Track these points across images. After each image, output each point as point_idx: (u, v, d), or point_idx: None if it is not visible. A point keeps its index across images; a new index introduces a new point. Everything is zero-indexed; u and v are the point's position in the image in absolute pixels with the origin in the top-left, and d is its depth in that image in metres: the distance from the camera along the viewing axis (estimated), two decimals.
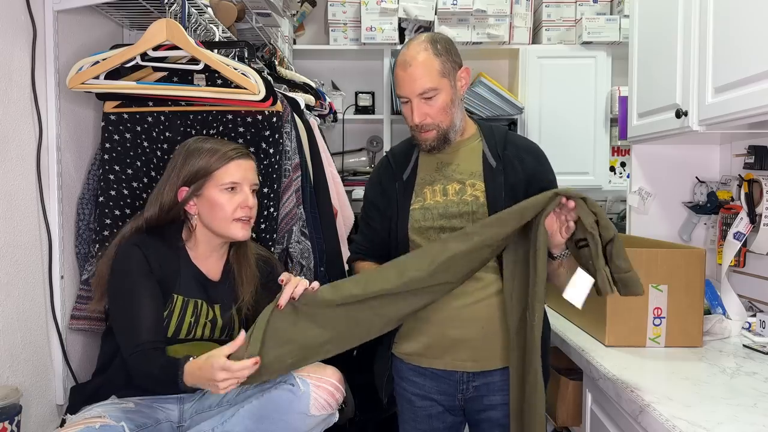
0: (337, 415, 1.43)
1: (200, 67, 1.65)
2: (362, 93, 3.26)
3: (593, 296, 1.32)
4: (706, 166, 2.12)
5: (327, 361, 1.42)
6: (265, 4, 2.18)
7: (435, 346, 1.49)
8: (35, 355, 1.56)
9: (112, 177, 1.69)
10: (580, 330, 1.81)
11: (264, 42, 2.29)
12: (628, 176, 2.37)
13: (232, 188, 1.49)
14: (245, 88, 1.64)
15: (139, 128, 1.72)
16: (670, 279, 1.62)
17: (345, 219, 2.26)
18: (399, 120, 3.11)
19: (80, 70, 1.61)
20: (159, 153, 1.74)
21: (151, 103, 1.72)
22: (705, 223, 2.12)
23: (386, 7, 3.01)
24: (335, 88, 3.30)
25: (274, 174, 1.73)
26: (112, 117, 1.71)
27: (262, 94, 1.64)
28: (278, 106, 1.73)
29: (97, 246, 1.65)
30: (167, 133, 1.74)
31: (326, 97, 2.65)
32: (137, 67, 1.67)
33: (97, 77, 1.63)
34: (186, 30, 1.63)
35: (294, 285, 1.34)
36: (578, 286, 1.30)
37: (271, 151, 1.73)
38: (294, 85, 2.26)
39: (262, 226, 1.73)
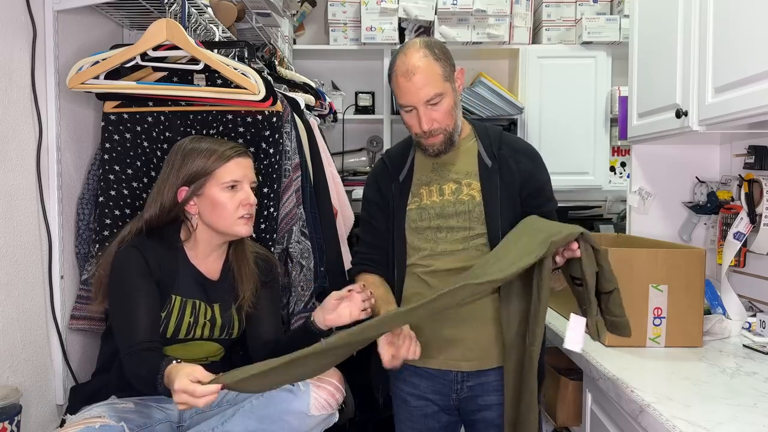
0: (337, 415, 1.43)
1: (200, 67, 1.65)
2: (362, 93, 3.25)
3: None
4: (706, 166, 2.12)
5: None
6: (265, 4, 2.18)
7: (429, 346, 1.49)
8: (35, 355, 1.56)
9: (112, 177, 1.69)
10: None
11: (264, 42, 2.29)
12: (628, 176, 2.37)
13: (233, 186, 1.49)
14: (245, 88, 1.64)
15: (139, 128, 1.72)
16: (670, 279, 1.62)
17: (345, 219, 2.26)
18: (399, 120, 3.07)
19: (80, 70, 1.61)
20: (159, 153, 1.74)
21: (151, 103, 1.72)
22: (705, 223, 2.12)
23: (386, 7, 3.01)
24: (335, 88, 3.30)
25: (274, 174, 1.73)
26: (112, 117, 1.71)
27: (262, 94, 1.64)
28: (278, 106, 1.73)
29: (97, 246, 1.65)
30: (167, 133, 1.74)
31: (326, 97, 2.64)
32: (137, 67, 1.67)
33: (97, 77, 1.63)
34: (186, 30, 1.63)
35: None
36: (574, 329, 1.30)
37: (271, 151, 1.73)
38: (294, 85, 2.25)
39: (262, 226, 1.73)
